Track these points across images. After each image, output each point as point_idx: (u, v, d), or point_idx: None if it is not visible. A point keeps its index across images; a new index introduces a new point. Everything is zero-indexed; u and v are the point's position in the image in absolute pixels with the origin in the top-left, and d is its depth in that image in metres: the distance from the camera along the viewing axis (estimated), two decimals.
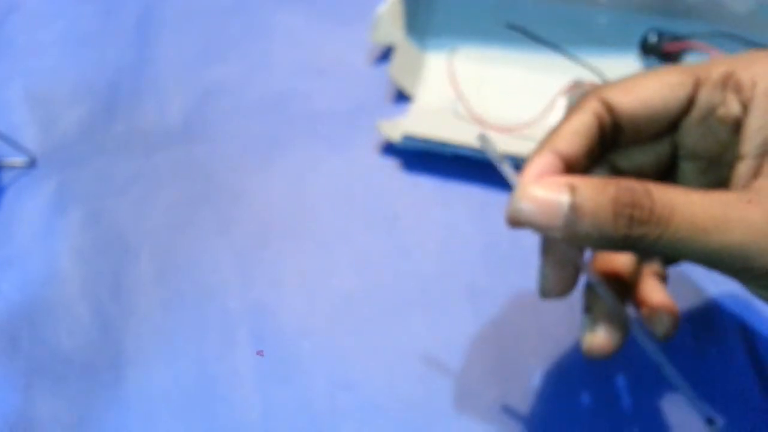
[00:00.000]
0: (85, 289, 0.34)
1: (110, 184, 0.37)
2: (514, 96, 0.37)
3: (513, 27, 0.33)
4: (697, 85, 0.22)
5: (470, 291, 0.32)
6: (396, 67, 0.37)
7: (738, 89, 0.21)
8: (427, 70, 0.39)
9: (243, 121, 0.39)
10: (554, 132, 0.23)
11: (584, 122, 0.22)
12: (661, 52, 0.35)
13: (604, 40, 0.37)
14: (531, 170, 0.22)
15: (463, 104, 0.36)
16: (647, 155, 0.23)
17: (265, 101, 0.39)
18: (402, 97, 0.38)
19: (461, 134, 0.34)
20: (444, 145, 0.34)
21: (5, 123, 0.40)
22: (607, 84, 0.23)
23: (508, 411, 0.29)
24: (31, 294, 0.34)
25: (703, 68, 0.22)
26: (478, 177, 0.35)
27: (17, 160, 0.38)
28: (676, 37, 0.35)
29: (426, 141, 0.34)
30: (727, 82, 0.21)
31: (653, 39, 0.35)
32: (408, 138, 0.34)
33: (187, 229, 0.35)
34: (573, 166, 0.22)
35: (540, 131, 0.34)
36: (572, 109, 0.23)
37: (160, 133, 0.39)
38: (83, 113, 0.40)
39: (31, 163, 0.38)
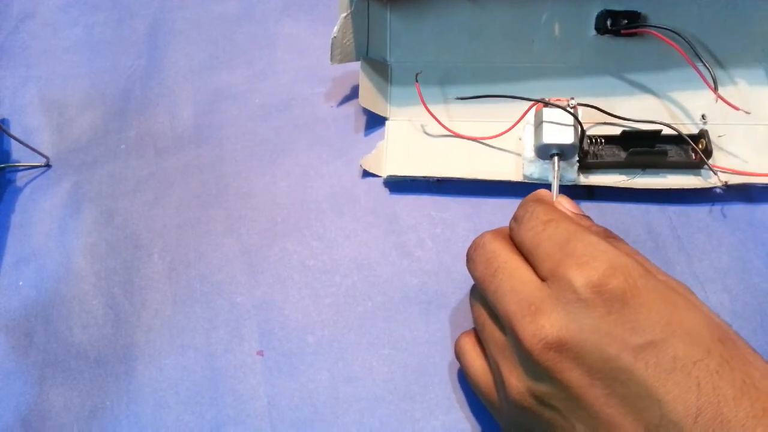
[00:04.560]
0: (99, 286, 0.35)
1: (123, 185, 0.38)
2: (481, 107, 0.37)
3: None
4: None
5: (467, 286, 0.33)
6: (363, 95, 0.37)
7: None
8: (395, 90, 0.39)
9: (250, 126, 0.39)
10: None
11: None
12: (617, 34, 0.36)
13: (559, 31, 0.37)
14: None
15: (434, 119, 0.36)
16: None
17: (270, 106, 0.40)
18: None
19: (439, 166, 0.36)
20: (426, 177, 0.36)
21: (21, 127, 0.41)
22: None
23: None
24: (46, 290, 0.35)
25: None
26: (469, 184, 0.36)
27: (33, 162, 0.39)
28: (630, 17, 0.36)
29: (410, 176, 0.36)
30: None
31: (608, 22, 0.36)
32: (392, 176, 0.36)
33: (196, 228, 0.36)
34: None
35: (510, 142, 0.36)
36: None
37: (170, 137, 0.39)
38: (96, 118, 0.41)
39: (47, 166, 0.39)
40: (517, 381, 0.24)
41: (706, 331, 0.21)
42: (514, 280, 0.24)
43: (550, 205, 0.27)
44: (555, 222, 0.25)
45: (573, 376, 0.22)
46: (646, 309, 0.22)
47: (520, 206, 0.27)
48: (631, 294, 0.22)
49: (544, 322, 0.22)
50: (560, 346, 0.22)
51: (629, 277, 0.22)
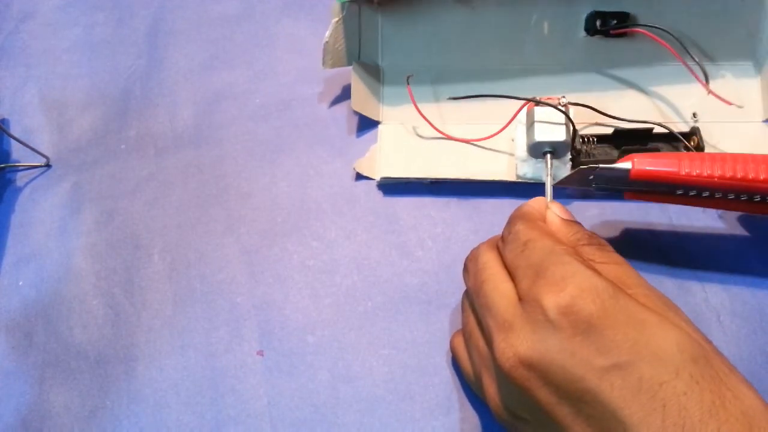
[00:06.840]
0: (99, 286, 0.35)
1: (123, 185, 0.38)
2: (473, 109, 0.37)
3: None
4: None
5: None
6: (356, 99, 0.37)
7: None
8: (387, 93, 0.38)
9: (250, 126, 0.39)
10: None
11: None
12: (606, 34, 0.36)
13: (550, 32, 0.37)
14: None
15: (426, 122, 0.36)
16: None
17: (270, 106, 0.40)
18: None
19: (432, 168, 0.36)
20: (420, 178, 0.36)
21: (21, 127, 0.41)
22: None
23: None
24: (46, 290, 0.35)
25: None
26: (466, 185, 0.36)
27: (33, 162, 0.39)
28: (619, 17, 0.36)
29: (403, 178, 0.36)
30: None
31: (598, 23, 0.36)
32: (385, 179, 0.36)
33: (196, 228, 0.36)
34: None
35: (503, 143, 0.36)
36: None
37: (170, 137, 0.39)
38: (96, 118, 0.41)
39: (47, 166, 0.39)
40: (494, 393, 0.25)
41: (677, 351, 0.21)
42: (496, 294, 0.25)
43: (531, 223, 0.27)
44: (532, 242, 0.26)
45: (541, 393, 0.23)
46: (613, 330, 0.22)
47: (508, 223, 0.28)
48: (599, 316, 0.22)
49: (514, 340, 0.23)
50: (529, 365, 0.23)
51: (597, 299, 0.22)
